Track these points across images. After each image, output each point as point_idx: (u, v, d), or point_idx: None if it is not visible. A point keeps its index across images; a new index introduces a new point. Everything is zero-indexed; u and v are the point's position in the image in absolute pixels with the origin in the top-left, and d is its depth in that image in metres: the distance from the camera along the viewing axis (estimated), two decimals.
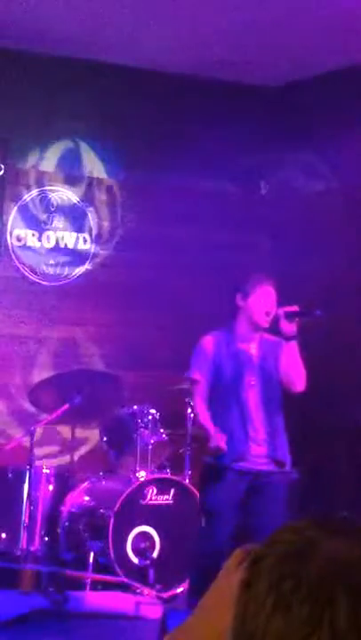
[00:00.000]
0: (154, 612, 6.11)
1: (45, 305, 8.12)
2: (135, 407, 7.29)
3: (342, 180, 8.24)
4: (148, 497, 6.96)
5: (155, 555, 6.78)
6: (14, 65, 7.92)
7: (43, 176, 8.20)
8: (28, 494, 6.99)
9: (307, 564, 1.06)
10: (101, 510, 6.96)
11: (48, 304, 8.13)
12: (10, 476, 7.15)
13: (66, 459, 7.67)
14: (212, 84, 8.44)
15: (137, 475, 7.04)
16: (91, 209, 8.34)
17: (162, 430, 7.20)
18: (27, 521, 6.94)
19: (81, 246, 8.29)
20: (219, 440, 5.72)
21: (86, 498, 7.19)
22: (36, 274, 8.12)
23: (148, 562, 6.68)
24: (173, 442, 7.27)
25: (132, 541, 6.80)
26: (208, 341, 6.03)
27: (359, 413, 7.63)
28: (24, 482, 7.03)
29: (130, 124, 8.28)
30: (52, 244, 8.21)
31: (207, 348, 6.01)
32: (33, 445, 7.05)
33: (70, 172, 8.29)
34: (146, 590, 6.46)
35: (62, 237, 8.24)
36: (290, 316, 5.90)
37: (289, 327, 5.91)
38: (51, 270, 8.18)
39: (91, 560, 6.71)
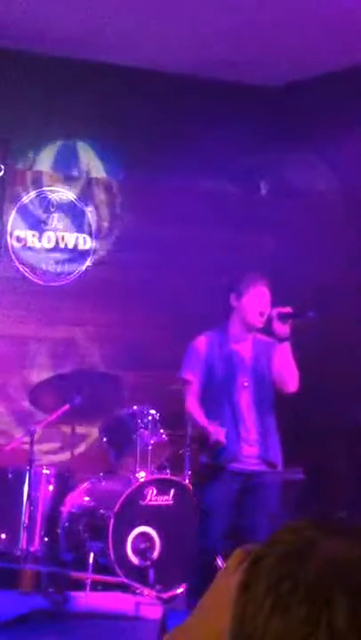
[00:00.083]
0: (154, 612, 6.11)
1: (45, 305, 8.12)
2: (135, 407, 7.29)
3: (342, 180, 8.24)
4: (148, 497, 6.95)
5: (154, 555, 6.78)
6: (14, 65, 7.92)
7: (42, 176, 8.20)
8: (28, 495, 6.98)
9: (305, 564, 1.06)
10: (101, 511, 6.95)
11: (48, 304, 8.13)
12: (10, 476, 7.15)
13: (66, 459, 7.66)
14: (212, 84, 8.44)
15: (137, 475, 7.04)
16: (90, 209, 8.34)
17: (162, 431, 7.19)
18: (27, 521, 6.94)
19: (81, 246, 8.29)
20: (218, 434, 5.71)
21: (86, 498, 7.19)
22: (35, 274, 8.12)
23: (147, 562, 6.68)
24: (173, 442, 7.26)
25: (132, 542, 6.80)
26: (201, 342, 6.03)
27: (359, 413, 7.63)
28: (24, 482, 7.03)
29: (130, 124, 8.28)
30: (51, 244, 8.20)
31: (200, 348, 6.00)
32: (33, 446, 7.05)
33: (70, 172, 8.29)
34: (146, 591, 6.45)
35: (62, 238, 8.24)
36: (283, 318, 5.89)
37: (282, 328, 5.89)
38: (51, 270, 8.17)
39: (91, 560, 6.70)
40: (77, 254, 8.27)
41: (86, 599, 6.55)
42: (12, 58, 7.91)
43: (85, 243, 8.31)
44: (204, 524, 5.89)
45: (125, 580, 6.61)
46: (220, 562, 6.21)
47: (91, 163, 8.35)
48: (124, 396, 7.49)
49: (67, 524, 7.12)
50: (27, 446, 7.08)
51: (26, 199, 8.13)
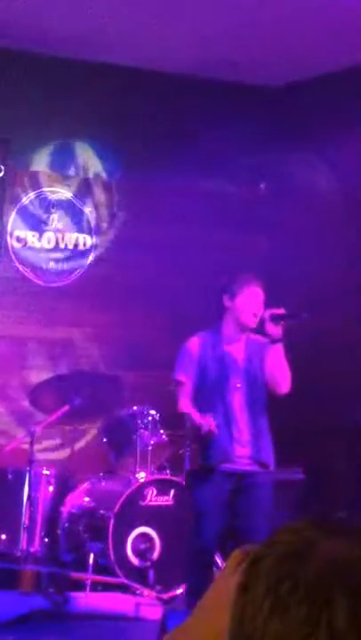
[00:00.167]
0: (154, 612, 6.11)
1: (45, 306, 8.12)
2: (135, 408, 7.29)
3: (342, 180, 8.24)
4: (148, 498, 6.95)
5: (155, 556, 6.78)
6: (14, 65, 7.92)
7: (42, 177, 8.20)
8: (28, 495, 6.98)
9: (305, 564, 1.06)
10: (101, 511, 6.95)
11: (47, 305, 8.13)
12: (10, 477, 7.15)
13: (66, 460, 7.66)
14: (212, 84, 8.44)
15: (137, 476, 7.04)
16: (90, 209, 8.34)
17: (162, 431, 7.19)
18: (27, 522, 6.94)
19: (80, 247, 8.29)
20: (209, 423, 5.70)
21: (86, 499, 7.19)
22: (35, 274, 8.12)
23: (147, 563, 6.68)
24: (173, 443, 7.25)
25: (132, 542, 6.80)
26: (193, 343, 6.02)
27: (359, 413, 7.63)
28: (24, 483, 7.03)
29: (129, 124, 8.28)
30: (51, 244, 8.21)
31: (192, 349, 6.00)
32: (33, 446, 7.05)
33: (70, 172, 8.29)
34: (146, 591, 6.45)
35: (62, 238, 8.24)
36: (276, 319, 5.87)
37: (275, 330, 5.88)
38: (51, 271, 8.17)
39: (91, 561, 6.70)
40: (77, 254, 8.27)
41: (86, 600, 6.55)
42: (12, 58, 7.91)
43: (85, 243, 8.31)
44: (198, 525, 5.89)
45: (125, 581, 6.61)
46: (219, 560, 6.21)
47: (90, 163, 8.35)
48: (124, 397, 7.49)
49: (67, 525, 7.13)
50: (27, 447, 7.07)
51: (26, 199, 8.13)
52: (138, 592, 6.49)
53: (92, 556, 6.72)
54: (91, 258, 8.30)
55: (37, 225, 8.16)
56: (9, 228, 8.05)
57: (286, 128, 8.45)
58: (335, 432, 7.84)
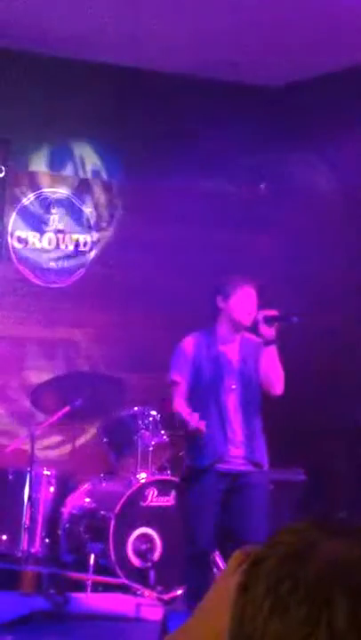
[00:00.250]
0: (154, 613, 6.11)
1: (45, 306, 8.12)
2: (136, 409, 7.29)
3: (342, 180, 8.24)
4: (149, 498, 6.95)
5: (155, 556, 6.78)
6: (14, 65, 7.92)
7: (43, 177, 8.20)
8: (29, 496, 6.99)
9: (305, 565, 1.06)
10: (102, 512, 6.96)
11: (48, 306, 8.12)
12: (11, 477, 7.15)
13: (67, 461, 7.66)
14: (213, 84, 8.44)
15: (138, 476, 7.04)
16: (90, 209, 8.34)
17: (163, 432, 7.19)
18: (27, 523, 6.94)
19: (81, 247, 8.29)
20: (197, 422, 5.69)
21: (87, 499, 7.19)
22: (36, 275, 8.12)
23: (148, 563, 6.68)
24: (174, 443, 7.26)
25: (133, 543, 6.80)
26: (188, 343, 6.02)
27: (359, 413, 7.63)
28: (25, 484, 7.03)
29: (130, 124, 8.28)
30: (52, 245, 8.21)
31: (187, 349, 6.00)
32: (34, 447, 7.05)
33: (70, 172, 8.29)
34: (146, 592, 6.45)
35: (62, 238, 8.24)
36: (269, 321, 5.87)
37: (268, 331, 5.88)
38: (51, 272, 8.17)
39: (91, 562, 6.70)
40: (78, 255, 8.27)
41: (87, 600, 6.55)
42: (12, 58, 7.91)
43: (85, 243, 8.31)
44: (193, 526, 5.89)
45: (126, 582, 6.61)
46: (218, 558, 6.21)
47: (91, 163, 8.35)
48: (125, 398, 7.49)
49: (67, 526, 7.13)
50: (27, 447, 7.07)
51: (26, 200, 8.13)
52: (139, 593, 6.49)
53: (92, 556, 6.73)
54: (91, 258, 8.30)
55: (38, 225, 8.16)
56: (9, 229, 8.05)
57: (286, 128, 8.45)
58: (335, 432, 7.84)
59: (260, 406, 6.01)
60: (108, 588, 6.72)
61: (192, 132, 8.27)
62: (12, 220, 8.07)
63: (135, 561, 6.77)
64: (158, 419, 7.19)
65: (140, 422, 7.20)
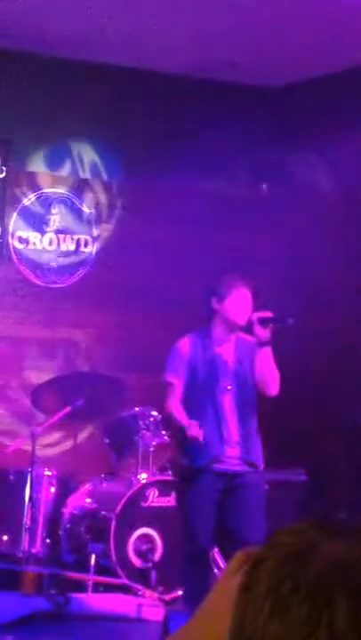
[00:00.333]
0: (155, 614, 6.10)
1: (45, 307, 8.12)
2: (137, 409, 7.29)
3: (342, 180, 8.24)
4: (150, 499, 6.95)
5: (156, 557, 6.77)
6: (14, 65, 7.92)
7: (43, 177, 8.20)
8: (30, 496, 6.98)
9: (306, 565, 1.06)
10: (103, 512, 6.96)
11: (48, 306, 8.13)
12: (12, 478, 7.15)
13: (67, 461, 7.66)
14: (212, 84, 8.44)
15: (138, 477, 7.04)
16: (91, 210, 8.34)
17: (163, 432, 7.19)
18: (28, 523, 6.94)
19: (82, 247, 8.29)
20: (194, 429, 5.70)
21: (88, 500, 7.19)
22: (36, 275, 8.12)
23: (149, 564, 6.67)
24: (175, 444, 7.25)
25: (134, 543, 6.80)
26: (184, 344, 6.03)
27: (359, 413, 7.63)
28: (26, 484, 7.03)
29: (130, 125, 8.28)
30: (53, 245, 8.21)
31: (183, 350, 6.01)
32: (35, 448, 7.04)
33: (70, 173, 8.29)
34: (147, 592, 6.45)
35: (63, 239, 8.24)
36: (264, 322, 5.87)
37: (263, 332, 5.87)
38: (52, 272, 8.17)
39: (92, 562, 6.70)
40: (78, 255, 8.27)
41: (88, 601, 6.55)
42: (12, 58, 7.91)
43: (87, 244, 8.31)
44: (191, 526, 5.89)
45: (127, 582, 6.61)
46: (217, 557, 6.21)
47: (90, 163, 8.35)
48: (126, 398, 7.49)
49: (68, 526, 7.13)
50: (28, 448, 7.07)
51: (27, 200, 8.13)
52: (139, 593, 6.49)
53: (93, 557, 6.72)
54: (92, 258, 8.30)
55: (39, 226, 8.17)
56: (10, 229, 8.05)
57: (286, 128, 8.45)
58: (335, 432, 7.84)
59: (256, 406, 6.01)
60: (108, 588, 6.72)
61: (192, 132, 8.27)
62: (13, 220, 8.07)
63: (136, 561, 6.77)
64: (159, 419, 7.19)
65: (140, 423, 7.20)
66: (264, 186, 8.84)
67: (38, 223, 8.17)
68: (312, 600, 1.03)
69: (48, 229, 8.20)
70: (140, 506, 6.91)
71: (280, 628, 1.03)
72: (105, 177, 8.40)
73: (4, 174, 7.99)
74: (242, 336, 6.02)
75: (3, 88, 7.91)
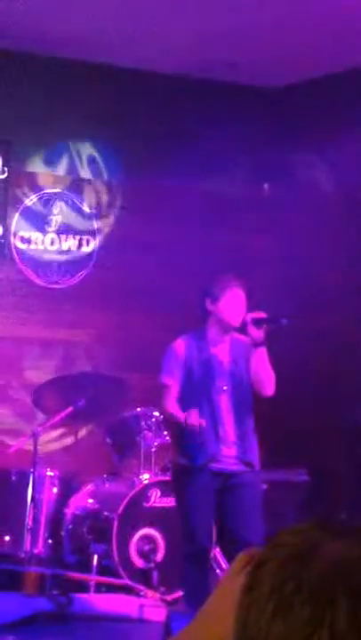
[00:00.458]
0: (158, 614, 6.10)
1: (47, 307, 8.12)
2: (139, 409, 7.29)
3: (342, 181, 8.24)
4: (152, 499, 6.95)
5: (158, 557, 6.77)
6: (14, 65, 7.92)
7: (44, 178, 8.21)
8: (32, 497, 6.98)
9: (308, 565, 1.06)
10: (105, 513, 6.95)
11: (49, 306, 8.13)
12: (14, 478, 7.15)
13: (69, 461, 7.66)
14: (212, 85, 8.44)
15: (140, 477, 7.04)
16: (92, 210, 8.34)
17: (165, 432, 7.19)
18: (30, 523, 6.93)
19: (83, 248, 8.30)
20: (194, 417, 5.69)
21: (90, 500, 7.19)
22: (38, 276, 8.12)
23: (151, 564, 6.68)
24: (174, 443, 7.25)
25: (136, 544, 6.79)
26: (179, 345, 6.03)
27: (359, 413, 7.63)
28: (28, 484, 7.03)
29: (130, 125, 8.29)
30: (55, 246, 8.21)
31: (179, 351, 6.01)
32: (37, 448, 7.04)
33: (71, 173, 8.29)
34: (150, 593, 6.45)
35: (65, 239, 8.24)
36: (258, 323, 5.87)
37: (257, 333, 5.88)
38: (53, 272, 8.18)
39: (94, 562, 6.70)
40: (79, 255, 8.27)
41: (90, 601, 6.54)
42: (12, 58, 7.92)
43: (88, 244, 8.32)
44: (189, 526, 5.89)
45: (129, 582, 6.61)
46: (218, 556, 6.21)
47: (90, 163, 8.35)
48: (128, 398, 7.48)
49: (70, 527, 7.13)
50: (30, 448, 7.07)
51: (29, 201, 8.13)
52: (142, 593, 6.49)
53: (95, 557, 6.72)
54: (93, 259, 8.30)
55: (40, 226, 8.17)
56: (12, 230, 8.06)
57: (286, 129, 8.45)
58: (335, 432, 7.84)
59: (252, 406, 6.01)
60: (111, 588, 6.72)
61: (192, 133, 8.27)
62: (15, 220, 8.07)
63: (138, 562, 6.76)
64: (161, 419, 7.19)
65: (142, 423, 7.20)
66: (266, 185, 8.83)
67: (40, 223, 8.17)
68: (315, 600, 1.03)
69: (50, 229, 8.20)
70: (142, 506, 6.91)
71: (283, 629, 1.04)
72: (105, 177, 8.41)
73: (5, 175, 7.99)
74: (236, 336, 6.03)
75: (3, 88, 7.92)
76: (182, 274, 8.17)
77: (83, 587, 6.68)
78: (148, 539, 6.83)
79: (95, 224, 8.35)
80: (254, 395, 6.00)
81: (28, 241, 8.13)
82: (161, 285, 8.16)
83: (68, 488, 7.29)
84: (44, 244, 8.18)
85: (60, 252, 8.23)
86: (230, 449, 5.90)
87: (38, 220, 8.17)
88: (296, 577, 1.06)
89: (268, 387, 5.95)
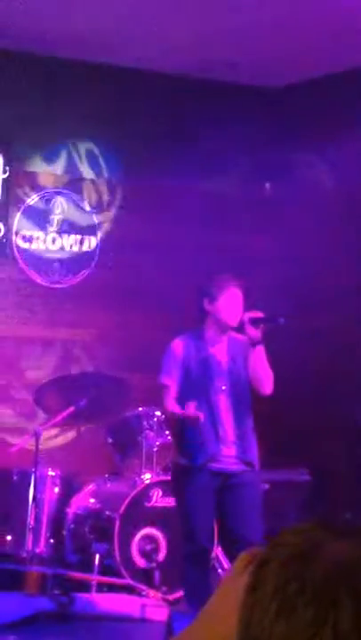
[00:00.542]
0: (159, 614, 6.10)
1: (49, 307, 8.12)
2: (140, 409, 7.29)
3: (343, 181, 8.24)
4: (154, 499, 6.95)
5: (160, 557, 6.77)
6: (14, 65, 7.92)
7: (47, 178, 8.21)
8: (34, 496, 6.98)
9: (311, 566, 1.06)
10: (107, 512, 6.95)
11: (51, 306, 8.13)
12: (15, 478, 7.15)
13: (71, 461, 7.66)
14: (213, 85, 8.44)
15: (142, 477, 7.03)
16: (93, 210, 8.34)
17: (167, 432, 7.18)
18: (32, 523, 6.93)
19: (85, 247, 8.30)
20: (192, 409, 5.70)
21: (92, 500, 7.19)
22: (40, 275, 8.13)
23: (153, 564, 6.68)
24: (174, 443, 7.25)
25: (138, 543, 6.79)
26: (178, 345, 6.04)
27: (359, 413, 7.63)
28: (29, 484, 7.03)
29: (130, 125, 8.29)
30: (56, 245, 8.22)
31: (177, 351, 6.01)
32: (38, 448, 7.04)
33: (72, 172, 8.30)
34: (151, 592, 6.45)
35: (66, 239, 8.24)
36: (255, 322, 5.87)
37: (254, 332, 5.88)
38: (55, 272, 8.18)
39: (96, 562, 6.69)
40: (81, 255, 8.27)
41: (92, 601, 6.54)
42: (12, 58, 7.92)
43: (89, 244, 8.32)
44: (189, 527, 5.89)
45: (131, 582, 6.61)
46: (220, 555, 6.21)
47: (91, 163, 8.35)
48: (130, 398, 7.48)
49: (72, 526, 7.12)
50: (32, 448, 7.07)
51: (30, 200, 8.14)
52: (143, 593, 6.48)
53: (97, 557, 6.72)
54: (94, 258, 8.30)
55: (42, 226, 8.18)
56: (14, 229, 8.06)
57: (286, 129, 8.45)
58: (335, 432, 7.84)
59: (251, 406, 6.01)
60: (112, 588, 6.71)
61: (192, 132, 8.27)
62: (17, 220, 8.08)
63: (140, 561, 6.76)
64: (163, 419, 7.19)
65: (144, 423, 7.20)
66: (267, 185, 8.83)
67: (41, 223, 8.18)
68: (318, 601, 1.03)
69: (51, 229, 8.20)
70: (143, 506, 6.91)
71: (286, 629, 1.04)
72: (105, 176, 8.41)
73: (7, 174, 8.00)
74: (234, 335, 6.03)
75: (2, 88, 7.92)
76: (183, 274, 8.17)
77: (84, 586, 6.68)
78: (149, 538, 6.83)
79: (95, 223, 8.35)
80: (254, 394, 6.00)
81: (30, 240, 8.13)
82: (162, 285, 8.16)
83: (70, 488, 7.29)
84: (46, 243, 8.19)
85: (62, 252, 8.23)
86: (230, 448, 5.90)
87: (40, 219, 8.18)
88: (299, 577, 1.06)
89: (267, 385, 5.95)
